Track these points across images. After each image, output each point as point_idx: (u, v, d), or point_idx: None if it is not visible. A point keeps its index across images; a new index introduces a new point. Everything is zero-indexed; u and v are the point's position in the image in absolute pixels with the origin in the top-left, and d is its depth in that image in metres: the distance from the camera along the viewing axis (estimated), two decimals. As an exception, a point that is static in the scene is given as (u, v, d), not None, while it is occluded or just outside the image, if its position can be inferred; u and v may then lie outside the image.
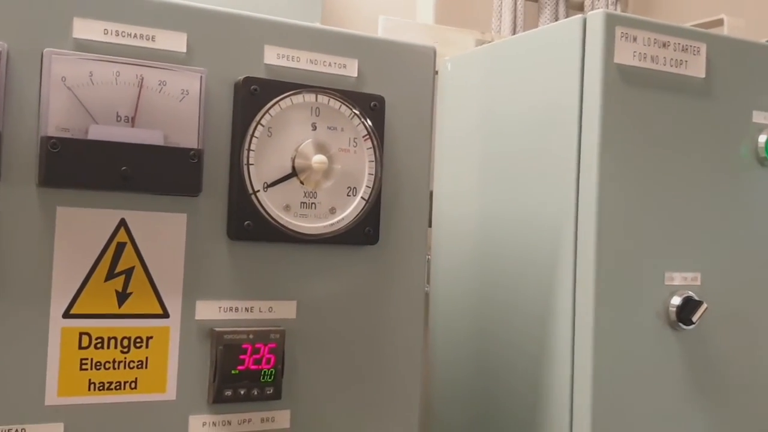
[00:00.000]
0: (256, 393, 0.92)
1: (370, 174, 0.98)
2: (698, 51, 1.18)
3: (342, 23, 1.89)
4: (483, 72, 1.40)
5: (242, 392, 0.92)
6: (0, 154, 0.80)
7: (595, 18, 1.13)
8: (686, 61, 1.18)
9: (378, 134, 0.98)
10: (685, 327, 1.17)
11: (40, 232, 0.83)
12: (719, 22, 2.24)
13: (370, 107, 0.98)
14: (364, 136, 0.97)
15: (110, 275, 0.86)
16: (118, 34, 0.86)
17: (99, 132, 0.83)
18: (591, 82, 1.13)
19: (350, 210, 0.97)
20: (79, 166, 0.82)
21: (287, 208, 0.94)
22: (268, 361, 0.93)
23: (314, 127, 0.95)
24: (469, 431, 1.37)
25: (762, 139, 1.24)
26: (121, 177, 0.84)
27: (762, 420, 1.26)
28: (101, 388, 0.86)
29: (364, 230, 0.98)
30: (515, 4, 2.45)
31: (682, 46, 1.17)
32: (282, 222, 0.93)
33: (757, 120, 1.25)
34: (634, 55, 1.13)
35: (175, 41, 0.89)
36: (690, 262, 1.19)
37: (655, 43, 1.15)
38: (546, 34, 1.27)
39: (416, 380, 1.04)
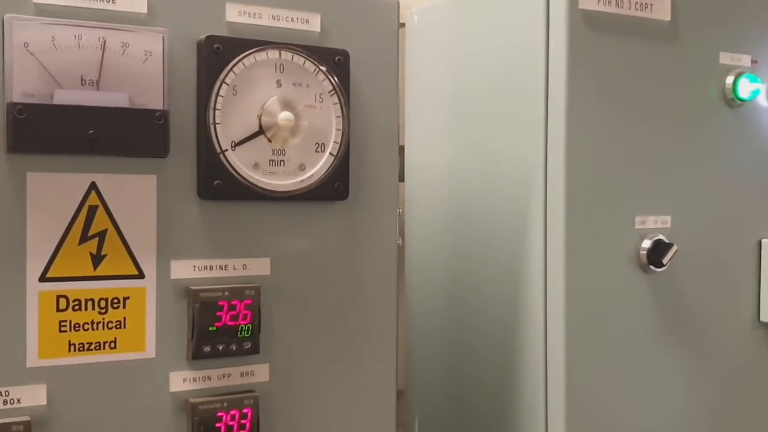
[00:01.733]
0: (234, 348, 0.94)
1: (337, 129, 0.99)
2: (663, -6, 1.19)
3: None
4: (449, 22, 1.41)
5: (220, 348, 0.93)
6: (-35, 122, 0.81)
7: (559, -36, 1.13)
8: (651, 5, 1.18)
9: (344, 89, 0.99)
10: (655, 269, 1.19)
11: (11, 199, 0.84)
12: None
13: (335, 62, 0.98)
14: (330, 92, 0.98)
15: (84, 238, 0.87)
16: (77, -3, 0.86)
17: (64, 96, 0.83)
18: (556, 28, 1.14)
19: (319, 166, 0.98)
20: (47, 131, 0.83)
21: (256, 166, 0.95)
22: (244, 317, 0.94)
23: (279, 84, 0.95)
24: (447, 380, 1.40)
25: (729, 80, 1.26)
26: (88, 140, 0.84)
27: (731, 358, 1.29)
28: (81, 348, 0.88)
29: (334, 186, 0.99)
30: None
31: (647, -11, 1.18)
32: (251, 180, 0.94)
33: (724, 61, 1.27)
34: (599, 0, 1.14)
35: (135, 2, 0.88)
36: (660, 206, 1.21)
37: (619, -14, 1.16)
38: (510, -19, 1.27)
39: (391, 331, 1.06)
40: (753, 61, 1.29)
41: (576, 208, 1.14)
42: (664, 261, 1.18)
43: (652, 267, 1.19)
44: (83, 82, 0.84)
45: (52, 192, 0.86)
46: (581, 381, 1.15)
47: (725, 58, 1.26)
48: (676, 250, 1.18)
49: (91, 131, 0.84)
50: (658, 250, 1.18)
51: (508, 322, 1.25)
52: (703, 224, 1.26)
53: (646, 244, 1.19)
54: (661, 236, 1.19)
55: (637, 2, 1.17)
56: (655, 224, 1.21)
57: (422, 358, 1.48)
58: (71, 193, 0.87)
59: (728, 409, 1.29)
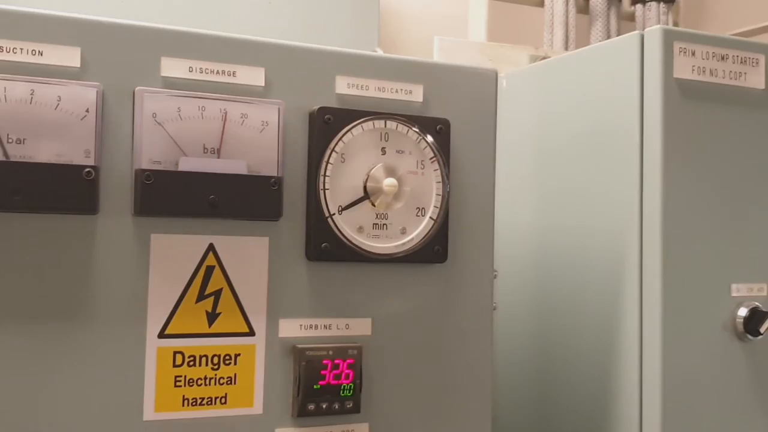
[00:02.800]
0: (336, 407, 0.97)
1: (437, 194, 1.02)
2: (757, 62, 1.20)
3: (398, 46, 1.94)
4: (539, 87, 1.44)
5: (324, 406, 0.96)
6: (98, 187, 0.87)
7: (653, 34, 1.16)
8: (745, 73, 1.20)
9: (444, 156, 1.02)
10: (752, 338, 1.18)
11: (136, 259, 0.89)
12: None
13: (436, 130, 1.02)
14: (431, 159, 1.02)
15: (201, 297, 0.92)
16: (202, 71, 0.92)
17: (188, 164, 0.89)
18: (651, 97, 1.15)
19: (420, 229, 1.01)
20: (171, 195, 0.88)
21: (360, 229, 0.98)
22: (347, 376, 0.97)
23: (384, 152, 1.00)
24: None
25: (822, 149, 1.25)
26: (209, 205, 0.89)
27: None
28: (194, 403, 0.92)
29: (434, 249, 1.02)
30: (566, 18, 2.47)
31: (741, 58, 1.19)
32: (356, 243, 0.98)
33: (816, 129, 1.26)
34: (693, 69, 1.16)
35: (254, 76, 0.94)
36: (756, 273, 1.21)
37: (713, 56, 1.17)
38: (603, 50, 1.29)
39: (486, 393, 1.07)
40: None
41: (672, 275, 1.14)
42: (761, 329, 1.16)
43: (748, 335, 1.18)
44: (205, 150, 0.90)
45: (174, 252, 0.91)
46: (678, 450, 1.14)
47: (818, 125, 1.26)
48: (774, 318, 1.16)
49: (211, 196, 0.89)
50: (755, 318, 1.17)
51: (601, 389, 1.24)
52: (799, 292, 1.24)
53: (743, 312, 1.18)
54: (757, 304, 1.18)
55: (731, 71, 1.18)
56: (750, 292, 1.20)
57: (511, 423, 1.47)
58: (191, 253, 0.92)
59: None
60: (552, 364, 1.36)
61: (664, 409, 1.13)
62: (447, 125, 1.03)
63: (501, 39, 2.05)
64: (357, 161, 0.98)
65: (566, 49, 2.26)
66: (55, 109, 0.84)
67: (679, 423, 1.14)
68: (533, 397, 1.40)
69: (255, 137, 0.92)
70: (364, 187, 0.99)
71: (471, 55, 1.83)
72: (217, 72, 0.93)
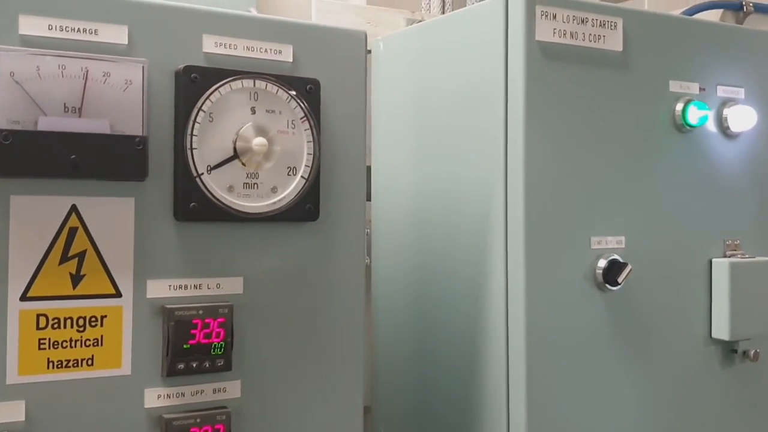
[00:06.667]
0: (207, 365, 0.97)
1: (308, 154, 1.03)
2: (615, 26, 1.26)
3: (276, 7, 1.92)
4: (414, 50, 1.46)
5: (194, 365, 0.97)
6: (-49, 147, 0.84)
7: (517, -2, 1.19)
8: (604, 36, 1.25)
9: (315, 115, 1.03)
10: (611, 288, 1.25)
11: (-6, 221, 0.87)
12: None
13: (306, 90, 1.03)
14: (301, 118, 1.03)
15: (64, 259, 0.90)
16: (62, 29, 0.90)
17: (48, 123, 0.87)
18: (515, 59, 1.19)
19: (291, 189, 1.02)
20: (30, 156, 0.86)
21: (231, 188, 0.99)
22: (217, 335, 0.98)
23: (253, 111, 1.00)
24: (412, 394, 1.44)
25: (679, 106, 1.32)
26: (70, 165, 0.88)
27: (683, 373, 1.34)
28: (59, 365, 0.91)
29: (305, 207, 1.04)
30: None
31: (600, 21, 1.24)
32: (226, 202, 0.98)
33: (673, 89, 1.33)
34: (554, 32, 1.20)
35: (116, 34, 0.93)
36: (614, 227, 1.27)
37: (573, 20, 1.22)
38: (471, 13, 1.33)
39: (359, 347, 1.10)
40: (701, 89, 1.35)
41: (535, 229, 1.19)
42: (619, 280, 1.23)
43: (607, 285, 1.24)
44: (66, 110, 0.88)
45: (34, 214, 0.89)
46: (541, 394, 1.20)
47: (675, 86, 1.33)
48: (631, 269, 1.23)
49: (73, 156, 0.88)
50: (614, 269, 1.23)
51: (470, 338, 1.29)
52: (656, 244, 1.31)
53: (602, 263, 1.24)
54: (616, 256, 1.25)
55: (590, 34, 1.23)
56: (610, 244, 1.26)
57: (388, 373, 1.51)
58: (53, 215, 0.90)
59: (681, 423, 1.34)
60: (426, 320, 1.41)
61: (529, 355, 1.19)
62: (317, 85, 1.04)
63: (380, 3, 2.05)
64: (226, 121, 0.98)
65: (443, 13, 2.29)
66: None
67: (543, 368, 1.20)
68: (411, 354, 1.45)
69: (118, 96, 0.91)
70: (234, 147, 0.99)
71: (349, 18, 1.83)
72: (78, 30, 0.91)
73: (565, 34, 1.21)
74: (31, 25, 0.88)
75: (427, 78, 1.41)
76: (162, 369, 0.97)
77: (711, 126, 1.37)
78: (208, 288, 0.99)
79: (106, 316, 0.93)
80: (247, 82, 0.99)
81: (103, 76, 0.90)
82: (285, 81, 1.01)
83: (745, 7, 1.92)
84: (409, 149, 1.46)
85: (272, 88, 1.01)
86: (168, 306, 0.96)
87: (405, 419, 1.47)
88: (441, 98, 1.37)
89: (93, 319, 0.92)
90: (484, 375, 1.26)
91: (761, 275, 1.37)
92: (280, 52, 1.03)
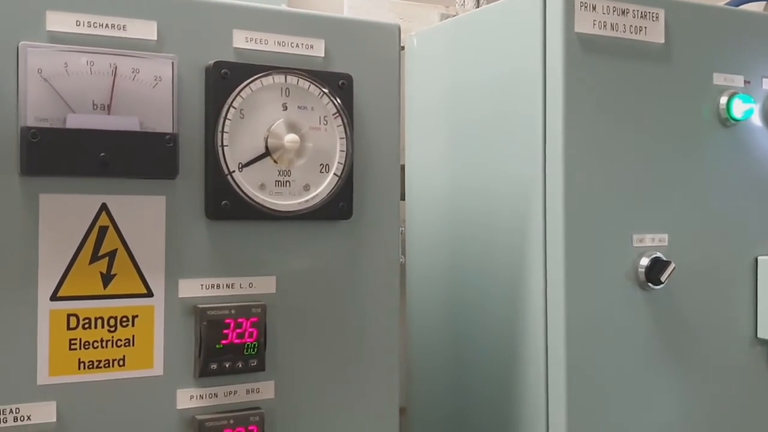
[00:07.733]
0: (240, 366, 0.96)
1: (341, 150, 1.01)
2: (657, 17, 1.22)
3: (309, 3, 1.90)
4: (448, 46, 1.44)
5: (227, 365, 0.95)
6: (-19, 146, 0.83)
7: (555, -11, 1.16)
8: (645, 28, 1.21)
9: (347, 111, 1.01)
10: (654, 287, 1.21)
11: (24, 220, 0.86)
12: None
13: (339, 85, 1.01)
14: (333, 114, 1.01)
15: (94, 258, 0.89)
16: (90, 25, 0.89)
17: (76, 120, 0.86)
18: (553, 52, 1.16)
19: (324, 186, 1.01)
20: (59, 154, 0.85)
21: (262, 186, 0.97)
22: (250, 335, 0.96)
23: (285, 107, 0.98)
24: (448, 396, 1.42)
25: (723, 100, 1.28)
26: (100, 163, 0.87)
27: (728, 374, 1.31)
28: (90, 366, 0.90)
29: (338, 205, 1.02)
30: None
31: (641, 12, 1.21)
32: (258, 200, 0.96)
33: (717, 82, 1.29)
34: (594, 24, 1.17)
35: (145, 29, 0.91)
36: (657, 224, 1.23)
37: (614, 11, 1.18)
38: (507, 6, 1.29)
39: (394, 347, 1.08)
40: (746, 82, 1.31)
41: (574, 227, 1.16)
42: (662, 278, 1.19)
43: (650, 284, 1.21)
44: (95, 107, 0.87)
45: (64, 213, 0.88)
46: (581, 397, 1.17)
47: (719, 78, 1.29)
48: (674, 268, 1.19)
49: (102, 154, 0.87)
50: (656, 267, 1.20)
51: (508, 339, 1.26)
52: (700, 241, 1.27)
53: (644, 261, 1.21)
54: (658, 254, 1.21)
55: (632, 26, 1.20)
56: (652, 242, 1.23)
57: (423, 374, 1.49)
58: (82, 214, 0.89)
59: (726, 425, 1.30)
60: (463, 320, 1.38)
61: (569, 356, 1.16)
62: (350, 80, 1.02)
63: (413, -2, 2.04)
64: (257, 117, 0.96)
65: (477, 8, 2.26)
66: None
67: (584, 369, 1.17)
68: (447, 356, 1.42)
69: (147, 93, 0.89)
70: (266, 144, 0.97)
71: (382, 14, 1.82)
72: (107, 26, 0.89)
73: (605, 26, 1.17)
74: (58, 22, 0.87)
75: (462, 74, 1.39)
76: (194, 369, 0.95)
77: (756, 120, 1.32)
78: (241, 287, 0.98)
79: (137, 316, 0.92)
80: (279, 78, 0.97)
81: (132, 72, 0.89)
82: (317, 76, 0.99)
83: (791, -2, 1.87)
84: (444, 147, 1.43)
85: (304, 83, 0.99)
86: (200, 306, 0.95)
87: (441, 420, 1.44)
88: (476, 95, 1.35)
89: (124, 319, 0.91)
90: (522, 377, 1.23)
91: (809, 273, 1.32)
92: (311, 46, 1.01)
